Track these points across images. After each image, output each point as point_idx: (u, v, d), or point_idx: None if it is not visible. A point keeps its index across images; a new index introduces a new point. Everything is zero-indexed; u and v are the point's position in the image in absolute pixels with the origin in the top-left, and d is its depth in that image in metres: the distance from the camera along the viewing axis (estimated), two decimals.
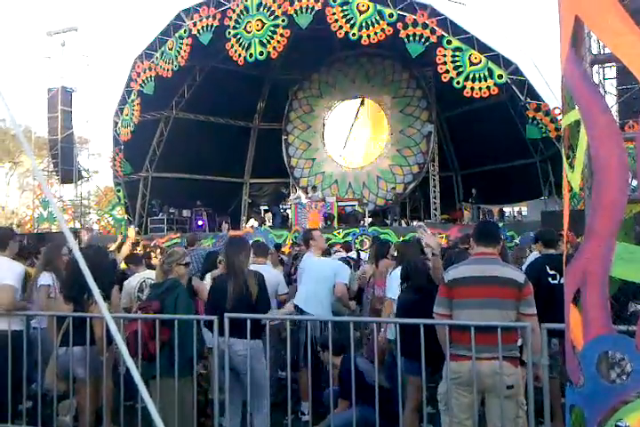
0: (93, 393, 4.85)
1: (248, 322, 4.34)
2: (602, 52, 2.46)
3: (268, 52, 17.72)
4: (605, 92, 15.38)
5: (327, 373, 5.49)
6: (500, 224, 16.73)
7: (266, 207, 21.62)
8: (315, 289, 6.01)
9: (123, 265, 7.37)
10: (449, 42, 15.91)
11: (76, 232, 22.05)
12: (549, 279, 5.24)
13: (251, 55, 17.99)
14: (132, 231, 8.55)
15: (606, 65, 14.94)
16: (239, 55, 18.18)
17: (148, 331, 4.49)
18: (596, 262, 2.20)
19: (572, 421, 2.40)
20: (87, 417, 4.76)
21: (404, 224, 20.16)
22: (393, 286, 5.75)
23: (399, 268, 5.72)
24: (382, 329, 5.68)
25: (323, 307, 6.00)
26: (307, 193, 21.55)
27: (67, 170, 24.38)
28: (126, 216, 23.36)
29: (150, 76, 19.99)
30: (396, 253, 6.88)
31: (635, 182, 2.31)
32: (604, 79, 15.39)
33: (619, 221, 2.16)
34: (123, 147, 21.82)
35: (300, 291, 6.20)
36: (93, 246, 6.51)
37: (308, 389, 5.05)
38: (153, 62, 19.88)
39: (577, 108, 2.28)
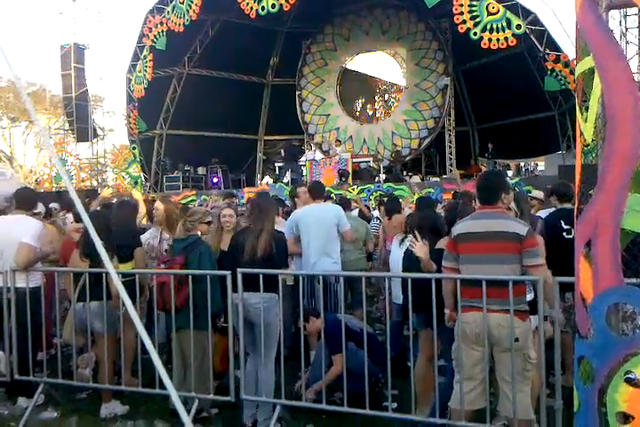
0: (111, 347, 4.96)
1: (261, 277, 4.37)
2: None
3: (281, 5, 17.33)
4: (627, 42, 14.99)
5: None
6: (517, 179, 16.58)
7: (281, 164, 21.50)
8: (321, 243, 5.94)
9: (143, 221, 7.40)
10: None
11: (95, 190, 22.24)
12: (564, 234, 5.19)
13: (263, 8, 17.61)
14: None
15: (628, 13, 14.52)
16: (251, 8, 17.81)
17: (171, 285, 4.56)
18: (608, 214, 2.16)
19: (580, 372, 2.41)
20: (106, 370, 4.88)
21: (417, 179, 20.00)
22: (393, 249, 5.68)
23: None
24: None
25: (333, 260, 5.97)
26: (321, 148, 21.37)
27: (82, 128, 24.40)
28: (142, 174, 23.44)
29: (162, 31, 19.70)
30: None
31: None
32: (625, 28, 14.98)
33: (632, 171, 2.12)
34: (137, 104, 21.73)
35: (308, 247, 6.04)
36: (124, 203, 6.54)
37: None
38: (164, 17, 19.57)
39: (591, 54, 2.21)
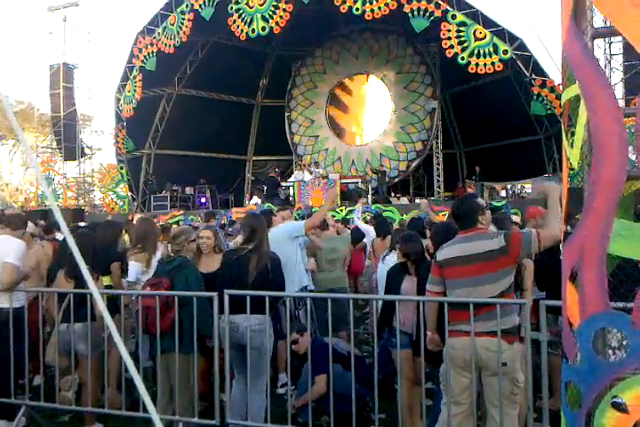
0: (95, 369, 4.89)
1: (248, 298, 4.33)
2: (605, 26, 2.41)
3: (271, 28, 17.52)
4: (612, 68, 15.25)
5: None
6: (504, 201, 16.70)
7: (265, 187, 21.55)
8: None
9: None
10: (453, 16, 15.72)
11: (82, 210, 22.18)
12: (561, 256, 5.17)
13: (253, 30, 17.80)
14: None
15: (612, 41, 14.79)
16: (241, 30, 18.00)
17: (157, 307, 4.50)
18: (594, 239, 2.18)
19: (567, 397, 2.41)
20: (89, 392, 4.80)
21: (405, 201, 20.10)
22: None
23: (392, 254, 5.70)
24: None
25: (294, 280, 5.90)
26: (308, 168, 21.50)
27: (70, 147, 24.39)
28: (130, 194, 23.38)
29: (152, 52, 19.83)
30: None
31: (634, 158, 2.29)
32: (610, 55, 15.25)
33: (617, 197, 2.14)
34: (125, 124, 21.75)
35: None
36: (108, 222, 6.57)
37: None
38: (155, 38, 19.72)
39: (577, 82, 2.24)
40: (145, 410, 4.45)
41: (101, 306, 1.36)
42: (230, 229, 9.06)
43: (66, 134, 24.10)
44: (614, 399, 2.23)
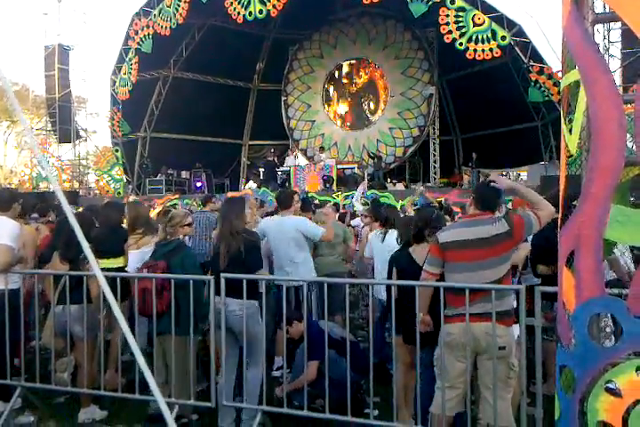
0: (91, 351, 4.90)
1: (244, 282, 4.34)
2: (606, 11, 2.40)
3: (268, 11, 17.35)
4: (610, 55, 15.20)
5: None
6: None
7: (263, 169, 21.45)
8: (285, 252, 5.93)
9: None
10: (452, 1, 15.59)
11: (76, 192, 22.13)
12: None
13: (250, 13, 17.62)
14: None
15: (612, 28, 14.72)
16: (238, 13, 17.82)
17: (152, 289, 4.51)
18: (591, 225, 2.19)
19: (561, 381, 2.43)
20: (85, 374, 4.82)
21: (401, 187, 20.09)
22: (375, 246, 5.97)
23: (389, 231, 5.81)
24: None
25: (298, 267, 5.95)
26: (305, 154, 21.39)
27: (65, 129, 24.26)
28: (125, 177, 23.30)
29: (148, 34, 19.66)
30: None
31: (631, 145, 2.29)
32: (609, 42, 15.18)
33: (615, 183, 2.14)
34: (121, 106, 21.62)
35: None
36: (109, 203, 6.58)
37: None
38: (151, 20, 19.52)
39: (577, 67, 2.24)
40: (141, 392, 4.48)
41: (103, 283, 1.36)
42: None
43: (61, 116, 23.97)
44: (608, 384, 2.25)
